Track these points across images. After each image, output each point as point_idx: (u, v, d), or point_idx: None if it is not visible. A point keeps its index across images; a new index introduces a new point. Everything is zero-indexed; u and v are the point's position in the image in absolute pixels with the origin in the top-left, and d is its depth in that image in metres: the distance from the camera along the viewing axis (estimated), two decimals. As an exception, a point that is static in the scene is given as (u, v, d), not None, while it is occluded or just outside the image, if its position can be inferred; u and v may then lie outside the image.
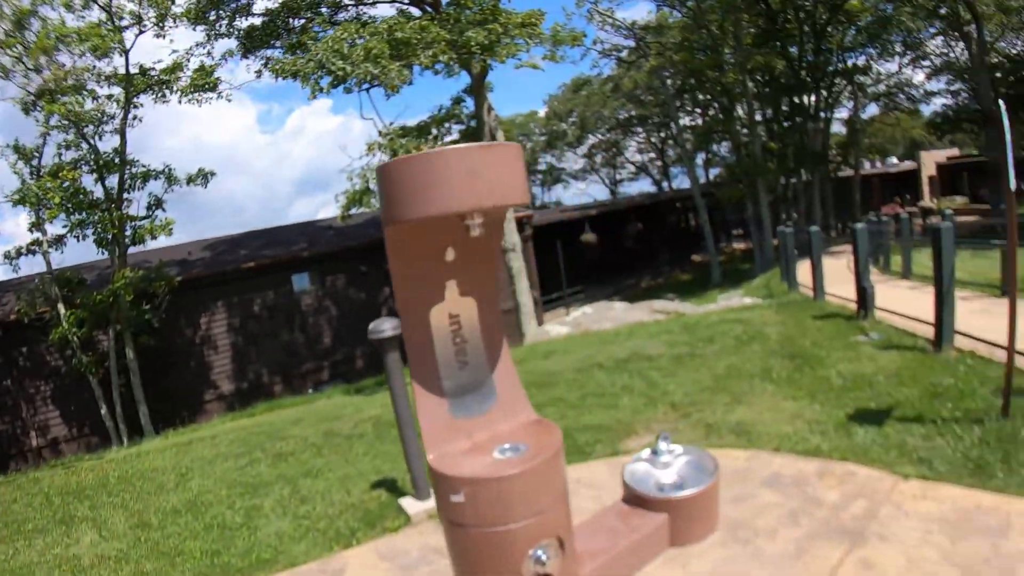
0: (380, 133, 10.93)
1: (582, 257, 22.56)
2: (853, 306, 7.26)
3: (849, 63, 25.56)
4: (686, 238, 27.53)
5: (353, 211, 10.41)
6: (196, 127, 63.85)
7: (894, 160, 41.97)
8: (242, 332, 13.71)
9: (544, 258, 19.82)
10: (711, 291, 19.25)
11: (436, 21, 10.02)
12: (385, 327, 3.23)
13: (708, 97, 25.23)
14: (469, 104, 12.91)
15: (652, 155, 40.44)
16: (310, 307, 14.40)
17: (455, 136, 13.09)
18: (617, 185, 44.83)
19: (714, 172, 34.04)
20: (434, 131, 12.55)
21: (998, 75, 23.98)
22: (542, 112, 42.01)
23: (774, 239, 20.66)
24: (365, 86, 9.94)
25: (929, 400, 3.87)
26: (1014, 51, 25.71)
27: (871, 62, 26.61)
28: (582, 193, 52.31)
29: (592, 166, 44.69)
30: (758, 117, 24.84)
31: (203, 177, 12.29)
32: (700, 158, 32.06)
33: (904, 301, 7.25)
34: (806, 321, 7.14)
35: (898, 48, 25.87)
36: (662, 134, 36.22)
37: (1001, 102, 3.89)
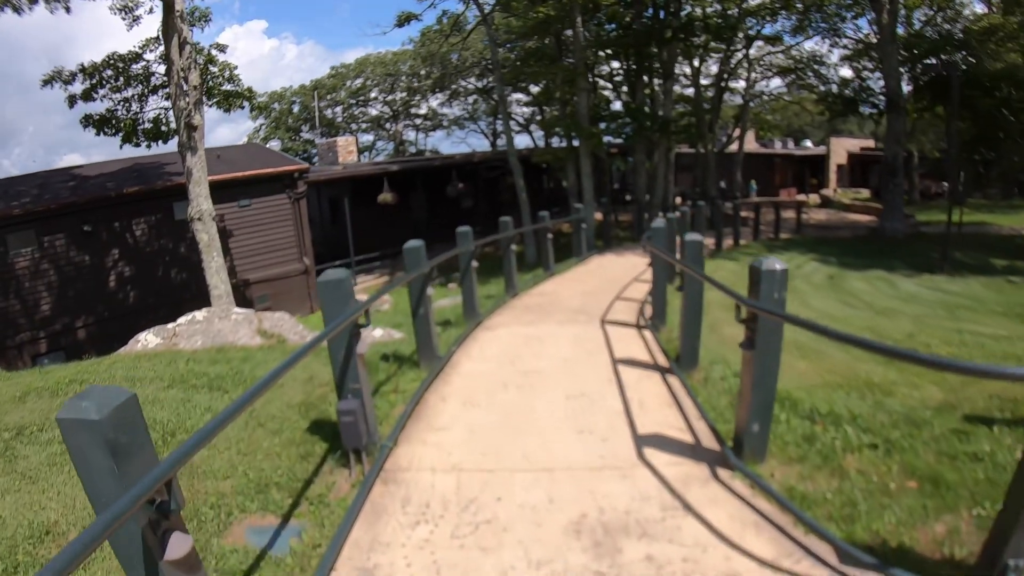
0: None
1: (406, 218, 20.60)
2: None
3: (752, 31, 22.29)
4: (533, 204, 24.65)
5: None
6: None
7: (809, 143, 39.21)
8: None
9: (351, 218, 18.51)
10: (525, 273, 15.32)
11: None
12: None
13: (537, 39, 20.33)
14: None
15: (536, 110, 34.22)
16: (26, 270, 12.47)
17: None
18: (497, 138, 42.98)
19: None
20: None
21: (915, 52, 19.82)
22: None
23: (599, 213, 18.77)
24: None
25: None
26: (935, 27, 21.12)
27: (780, 34, 23.14)
28: (461, 142, 48.72)
29: (472, 115, 39.72)
30: (603, 68, 22.66)
31: None
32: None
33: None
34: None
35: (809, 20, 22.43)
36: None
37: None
